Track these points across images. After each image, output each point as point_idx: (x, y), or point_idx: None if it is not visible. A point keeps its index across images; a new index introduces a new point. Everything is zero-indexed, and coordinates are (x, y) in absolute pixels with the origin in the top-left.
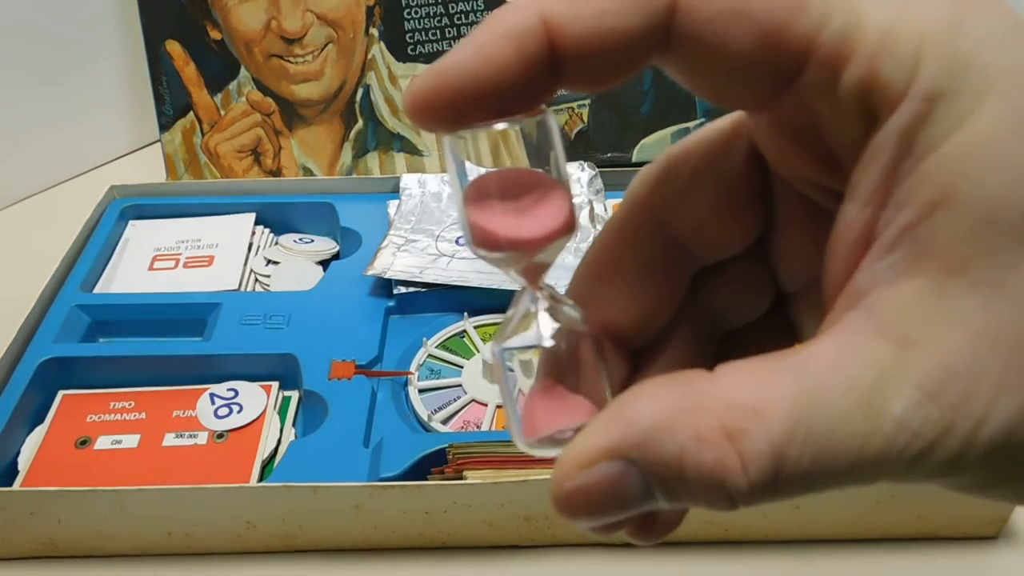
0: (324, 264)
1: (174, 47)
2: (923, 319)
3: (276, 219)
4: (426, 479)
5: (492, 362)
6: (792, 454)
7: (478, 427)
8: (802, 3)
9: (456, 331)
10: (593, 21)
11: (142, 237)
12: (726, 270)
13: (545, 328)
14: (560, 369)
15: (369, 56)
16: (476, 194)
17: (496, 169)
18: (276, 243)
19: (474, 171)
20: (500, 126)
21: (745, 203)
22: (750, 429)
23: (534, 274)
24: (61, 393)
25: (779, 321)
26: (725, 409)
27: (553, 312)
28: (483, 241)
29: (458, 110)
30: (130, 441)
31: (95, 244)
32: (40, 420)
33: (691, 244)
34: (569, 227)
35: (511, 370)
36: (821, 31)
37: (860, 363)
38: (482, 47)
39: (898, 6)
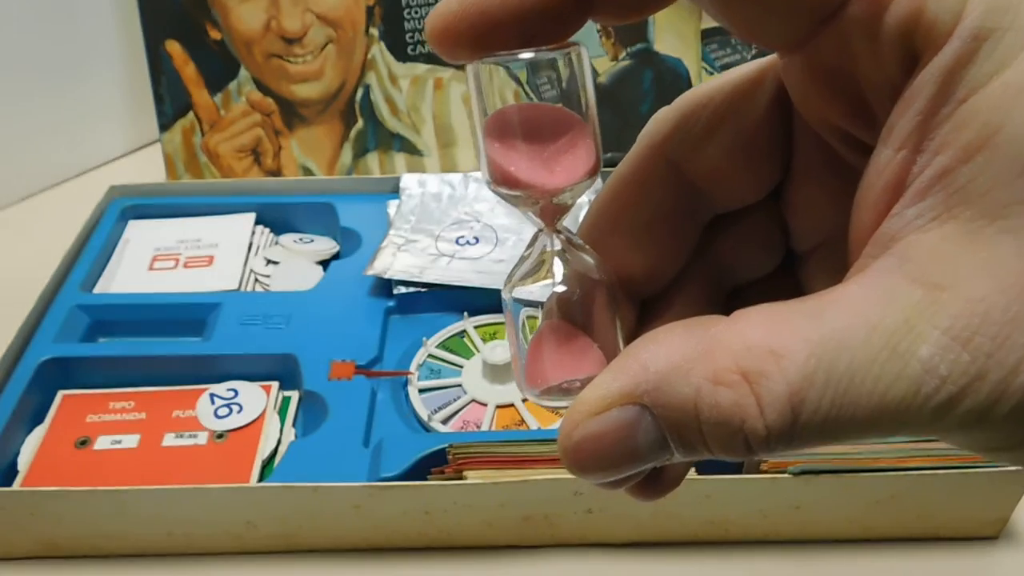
0: (324, 264)
1: (174, 47)
2: (955, 264)
3: (276, 219)
4: (426, 479)
5: (504, 308)
6: (811, 398)
7: (478, 427)
8: None
9: (456, 331)
10: None
11: (142, 237)
12: (738, 223)
13: (559, 273)
14: (571, 317)
15: (369, 56)
16: (498, 128)
17: (520, 103)
18: (276, 243)
19: (497, 103)
20: (527, 55)
21: (764, 151)
22: (768, 371)
23: (552, 216)
24: (61, 393)
25: (787, 280)
26: (742, 351)
27: (568, 257)
28: (502, 179)
29: (483, 35)
30: (130, 441)
31: (95, 244)
32: (40, 420)
33: (706, 189)
34: (594, 171)
35: (520, 317)
36: None
37: (887, 306)
38: None
39: None
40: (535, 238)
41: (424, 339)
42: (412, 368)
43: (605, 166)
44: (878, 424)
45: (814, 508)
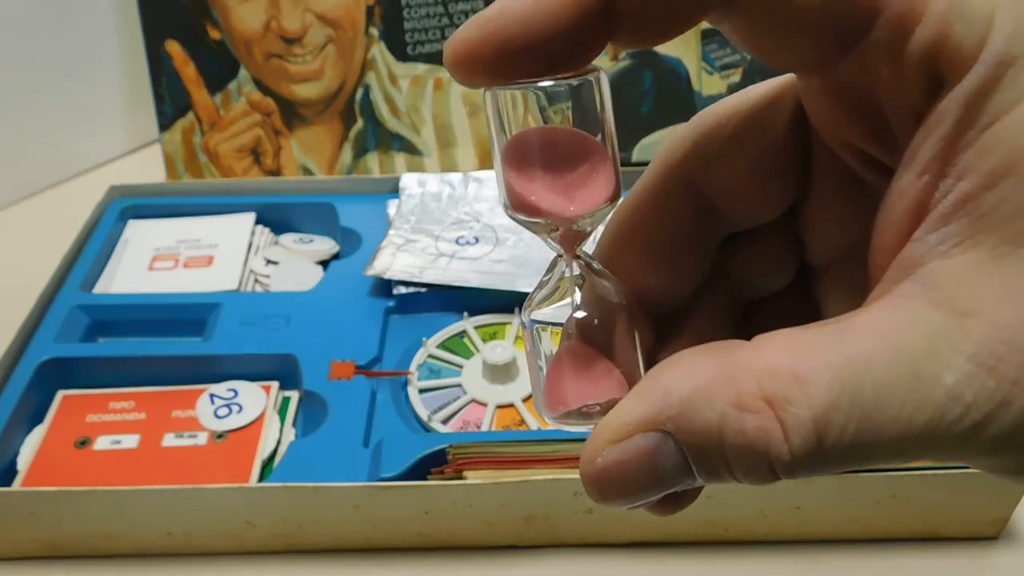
0: (324, 264)
1: (174, 47)
2: (980, 290)
3: (276, 219)
4: (426, 479)
5: (524, 331)
6: (836, 423)
7: (478, 427)
8: None
9: (456, 331)
10: None
11: (142, 237)
12: (754, 239)
13: (578, 299)
14: (591, 341)
15: (369, 56)
16: (516, 154)
17: (539, 127)
18: (276, 243)
19: (515, 128)
20: (546, 83)
21: (783, 169)
22: (792, 396)
23: (571, 242)
24: (61, 393)
25: (802, 295)
26: (766, 376)
27: (587, 282)
28: (521, 206)
29: (504, 62)
30: (130, 441)
31: (95, 244)
32: (40, 420)
33: (724, 209)
34: (614, 198)
35: (540, 341)
36: None
37: (911, 332)
38: None
39: None
40: (554, 263)
41: (424, 339)
42: (412, 368)
43: None
44: (903, 449)
45: (814, 508)
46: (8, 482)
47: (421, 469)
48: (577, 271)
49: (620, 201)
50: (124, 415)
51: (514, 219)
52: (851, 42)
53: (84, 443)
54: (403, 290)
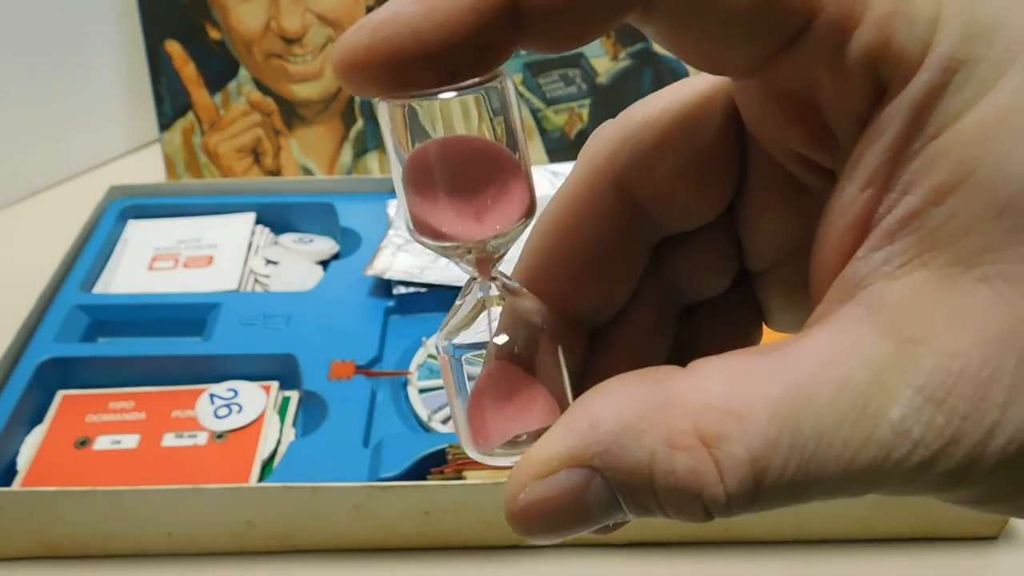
0: (324, 264)
1: (174, 47)
2: (928, 315)
3: (276, 219)
4: (426, 479)
5: (438, 359)
6: (775, 463)
7: None
8: None
9: None
10: None
11: (142, 237)
12: (689, 242)
13: (496, 323)
14: (514, 366)
15: None
16: (417, 172)
17: (440, 138)
18: (276, 243)
19: (413, 143)
20: (448, 95)
21: (717, 171)
22: (728, 434)
23: (486, 264)
24: (61, 393)
25: (741, 298)
26: (700, 410)
27: (507, 305)
28: (425, 231)
29: (399, 72)
30: (129, 441)
31: (95, 244)
32: (39, 420)
33: (655, 212)
34: (529, 213)
35: (460, 369)
36: None
37: (854, 361)
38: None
39: None
40: (469, 285)
41: (424, 339)
42: (412, 368)
43: None
44: (848, 486)
45: (814, 508)
46: (8, 482)
47: (421, 469)
48: (495, 291)
49: (538, 213)
50: (124, 415)
51: (420, 243)
52: (785, 45)
53: (84, 443)
54: (403, 290)
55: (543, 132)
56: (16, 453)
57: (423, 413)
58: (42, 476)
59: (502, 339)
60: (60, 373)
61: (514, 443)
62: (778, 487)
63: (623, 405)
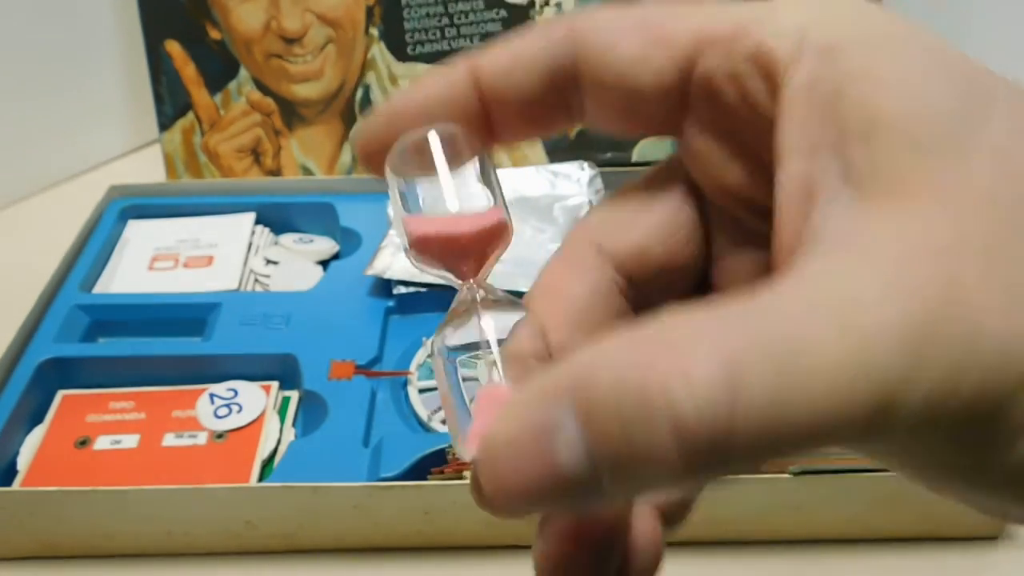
0: (324, 264)
1: (174, 47)
2: (879, 241)
3: (276, 219)
4: (426, 479)
5: (433, 360)
6: (750, 367)
7: None
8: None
9: None
10: (507, 62)
11: (141, 237)
12: (669, 297)
13: (490, 328)
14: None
15: (369, 56)
16: (419, 244)
17: (442, 219)
18: (276, 243)
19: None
20: (444, 172)
21: (684, 236)
22: (698, 350)
23: (479, 279)
24: (61, 393)
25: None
26: (671, 340)
27: (498, 309)
28: (417, 242)
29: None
30: (130, 441)
31: (95, 244)
32: (40, 420)
33: (635, 275)
34: (507, 242)
35: (453, 370)
36: (703, 27)
37: (821, 287)
38: (422, 88)
39: (770, 7)
40: (462, 288)
41: (424, 339)
42: (412, 368)
43: (604, 165)
44: (820, 424)
45: (814, 508)
46: (8, 482)
47: (421, 469)
48: (490, 297)
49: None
50: (124, 415)
51: (417, 266)
52: (678, 82)
53: (84, 443)
54: (403, 290)
55: None
56: (16, 453)
57: (423, 413)
58: (42, 476)
59: (495, 341)
60: (60, 373)
61: None
62: (754, 408)
63: (595, 348)
